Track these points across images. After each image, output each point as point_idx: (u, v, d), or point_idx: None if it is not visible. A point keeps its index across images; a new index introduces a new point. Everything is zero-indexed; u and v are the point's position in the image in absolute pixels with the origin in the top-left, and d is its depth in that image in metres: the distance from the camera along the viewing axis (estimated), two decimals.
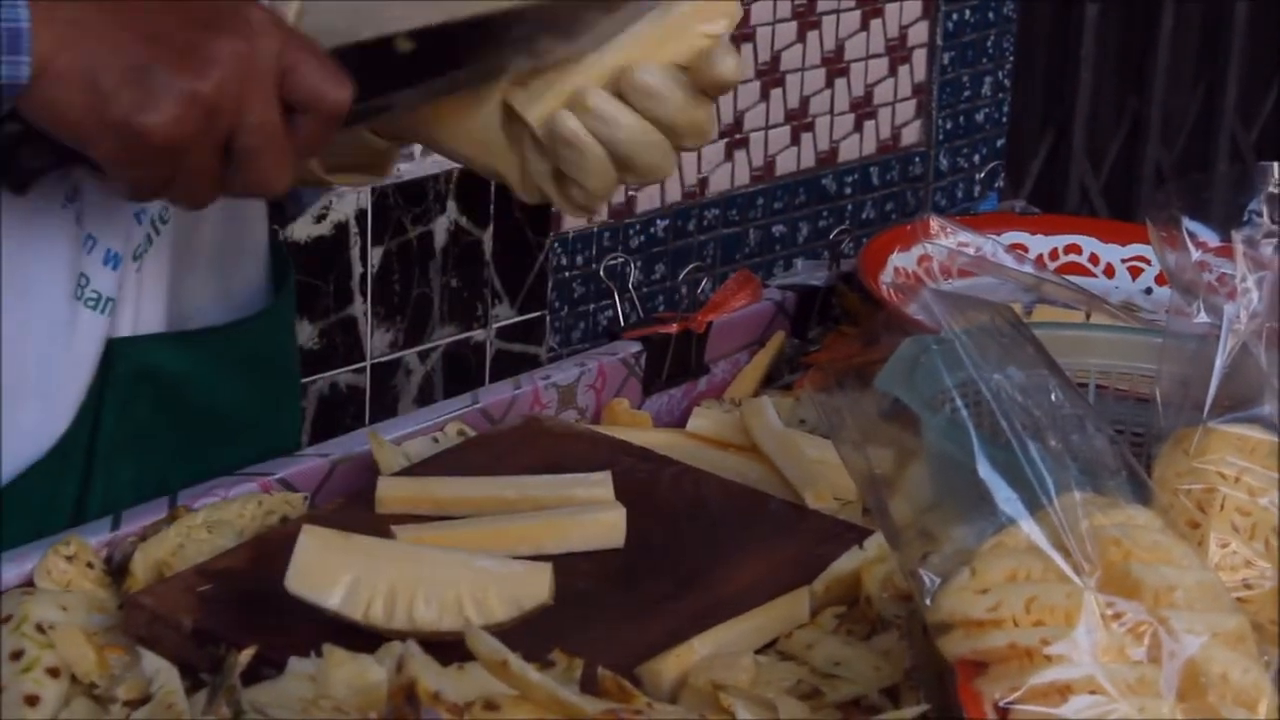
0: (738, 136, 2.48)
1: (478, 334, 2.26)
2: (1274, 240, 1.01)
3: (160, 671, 0.99)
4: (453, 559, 1.06)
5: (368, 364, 2.15)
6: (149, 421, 1.21)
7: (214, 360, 1.25)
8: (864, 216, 2.65)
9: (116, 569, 1.11)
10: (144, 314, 1.20)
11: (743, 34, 2.44)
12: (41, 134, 1.02)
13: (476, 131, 1.13)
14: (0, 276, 1.11)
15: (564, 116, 1.11)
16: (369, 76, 1.08)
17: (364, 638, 1.01)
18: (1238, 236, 1.01)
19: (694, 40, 1.11)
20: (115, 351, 1.18)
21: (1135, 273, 1.61)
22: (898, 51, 2.63)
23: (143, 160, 1.02)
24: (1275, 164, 1.02)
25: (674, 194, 2.42)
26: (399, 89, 1.10)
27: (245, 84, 1.02)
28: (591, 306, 2.36)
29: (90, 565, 1.09)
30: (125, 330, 1.19)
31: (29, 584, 1.08)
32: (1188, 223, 1.06)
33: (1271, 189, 1.02)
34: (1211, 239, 1.06)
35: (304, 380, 2.08)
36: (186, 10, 1.02)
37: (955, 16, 2.67)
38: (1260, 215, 1.02)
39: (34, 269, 1.13)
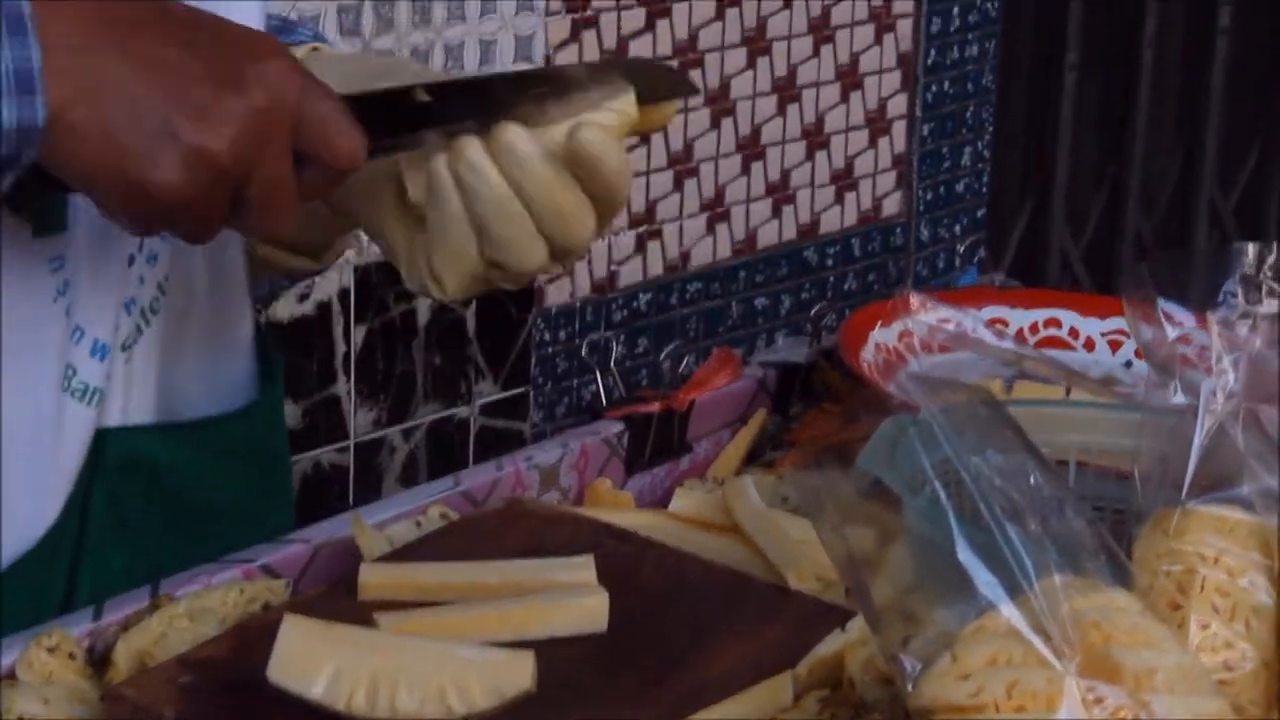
0: (719, 210, 2.49)
1: (461, 411, 2.26)
2: (1249, 321, 1.01)
3: None
4: (435, 648, 1.06)
5: (351, 443, 2.15)
6: (139, 511, 1.21)
7: (204, 451, 1.25)
8: (846, 288, 2.65)
9: (99, 659, 1.11)
10: (133, 404, 1.20)
11: (723, 109, 2.45)
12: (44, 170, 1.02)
13: (379, 201, 1.12)
14: None
15: (436, 161, 1.09)
16: (383, 125, 1.07)
17: None
18: (1213, 317, 1.01)
19: (579, 119, 1.08)
20: (104, 442, 1.18)
21: (1115, 346, 1.62)
22: (878, 123, 2.64)
23: (151, 212, 1.02)
24: (1250, 244, 1.03)
25: (656, 268, 2.43)
26: (412, 135, 1.10)
27: (259, 141, 1.01)
28: (575, 381, 2.36)
29: (72, 656, 1.09)
30: (114, 421, 1.19)
31: (10, 676, 1.08)
32: (1163, 302, 1.07)
33: (1246, 269, 1.03)
34: (1187, 318, 1.07)
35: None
36: (204, 59, 1.01)
37: (934, 88, 2.68)
38: (1235, 296, 1.03)
39: (24, 363, 1.13)
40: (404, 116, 1.08)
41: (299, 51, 1.19)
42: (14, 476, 1.14)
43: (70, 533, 1.18)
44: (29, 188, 1.04)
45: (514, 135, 1.07)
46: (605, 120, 1.09)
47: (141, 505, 1.21)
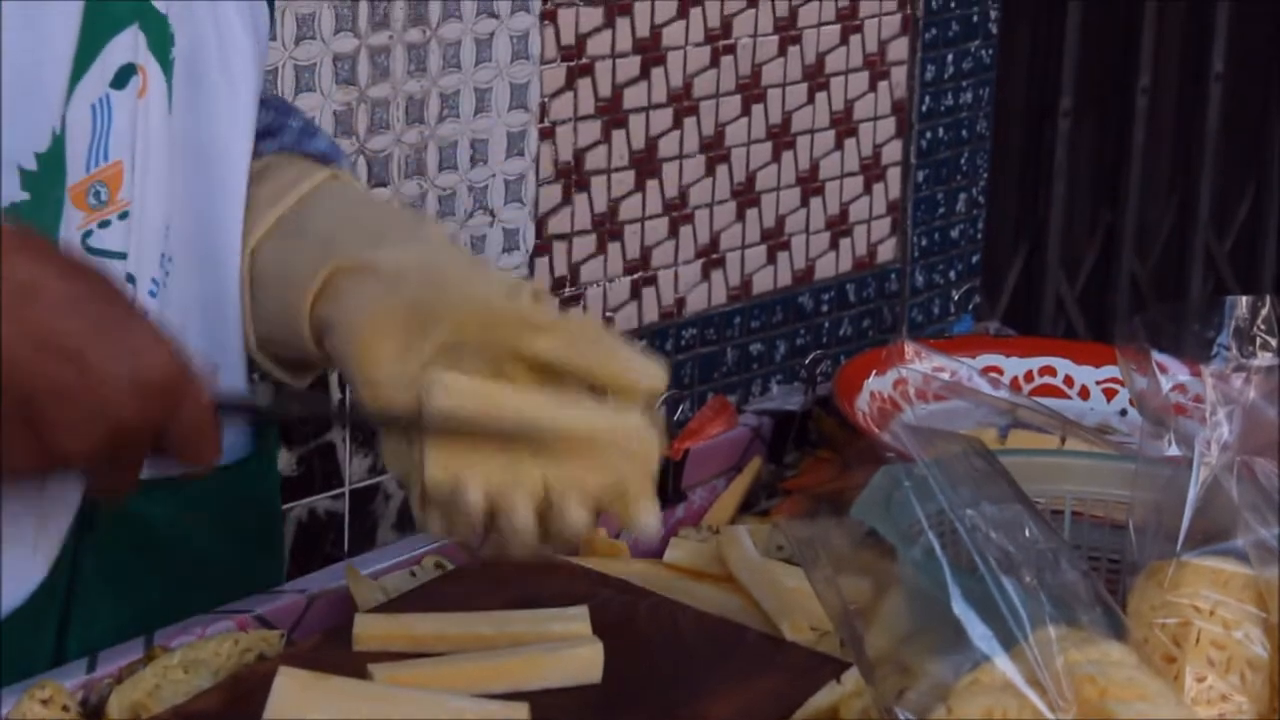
0: (714, 256, 2.49)
1: None
2: (1243, 374, 1.01)
3: None
4: (429, 700, 1.06)
5: (346, 490, 2.15)
6: (128, 565, 1.21)
7: (195, 506, 1.24)
8: (841, 333, 2.66)
9: (93, 712, 1.11)
10: None
11: (719, 155, 2.46)
12: None
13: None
14: None
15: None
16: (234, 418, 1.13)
17: None
18: (1207, 370, 1.02)
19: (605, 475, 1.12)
20: (95, 498, 1.17)
21: (1110, 394, 1.62)
22: (872, 169, 2.65)
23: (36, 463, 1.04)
24: (1243, 298, 1.03)
25: (651, 314, 2.43)
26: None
27: (135, 434, 1.03)
28: None
29: (66, 709, 1.09)
30: None
31: None
32: (1157, 353, 1.07)
33: (1239, 322, 1.03)
34: (1181, 370, 1.07)
35: (283, 507, 2.07)
36: (96, 355, 1.02)
37: (929, 134, 2.69)
38: (1229, 348, 1.03)
39: None
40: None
41: (314, 179, 1.23)
42: (10, 531, 1.14)
43: (60, 587, 1.18)
44: None
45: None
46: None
47: (131, 559, 1.21)
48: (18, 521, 1.15)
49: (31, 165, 1.11)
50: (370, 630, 1.15)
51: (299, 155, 1.27)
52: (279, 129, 1.28)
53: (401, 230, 1.19)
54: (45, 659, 1.17)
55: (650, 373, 1.16)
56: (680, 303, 2.46)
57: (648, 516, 1.12)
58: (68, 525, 1.17)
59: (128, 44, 1.14)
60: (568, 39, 2.27)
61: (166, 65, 1.17)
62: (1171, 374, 1.05)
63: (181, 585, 1.23)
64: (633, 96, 2.35)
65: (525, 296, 1.14)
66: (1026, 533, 0.96)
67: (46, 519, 1.16)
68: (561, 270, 2.33)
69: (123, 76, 1.14)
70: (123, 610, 1.20)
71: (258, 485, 1.32)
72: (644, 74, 2.36)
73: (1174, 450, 1.04)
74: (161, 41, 1.17)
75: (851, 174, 2.62)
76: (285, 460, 2.08)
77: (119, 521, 1.20)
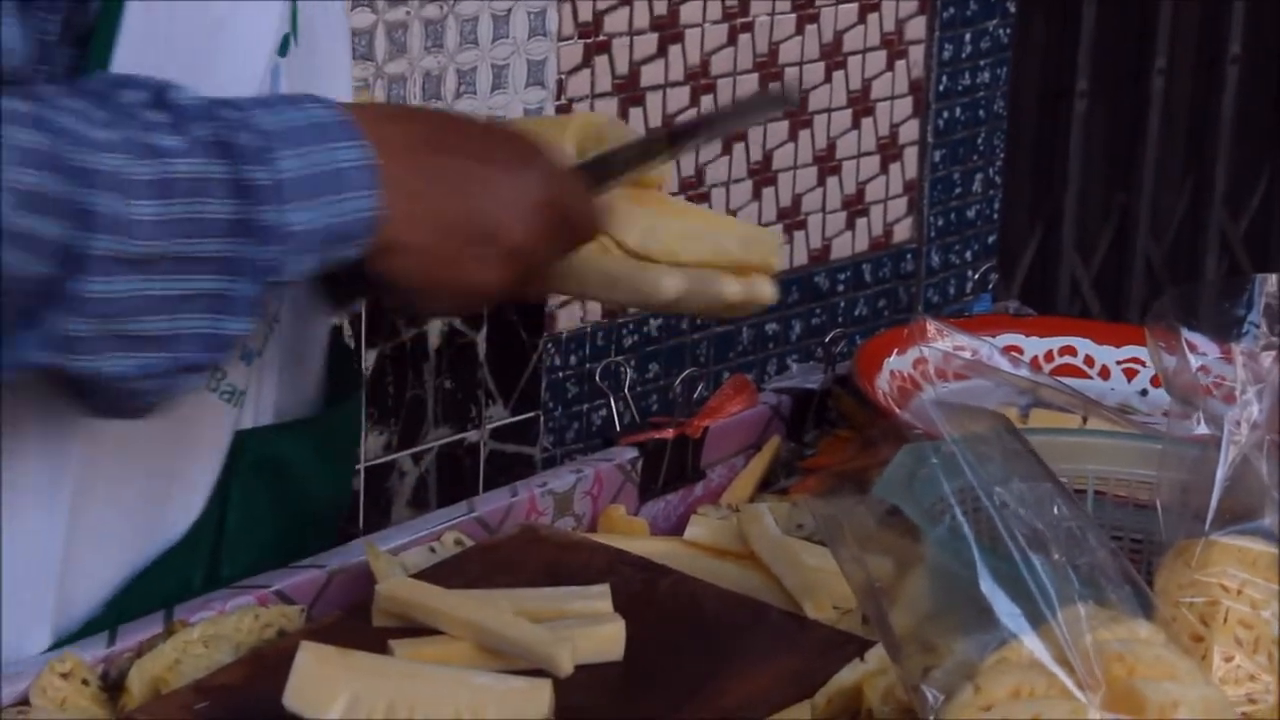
0: None
1: (471, 435, 2.25)
2: (1273, 351, 1.01)
3: None
4: (451, 676, 1.05)
5: (362, 466, 2.14)
6: (267, 508, 1.25)
7: (317, 449, 1.29)
8: (856, 314, 2.65)
9: (113, 685, 1.11)
10: (261, 406, 1.23)
11: (735, 135, 2.45)
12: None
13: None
14: None
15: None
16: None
17: None
18: (1237, 348, 1.01)
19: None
20: (242, 441, 1.22)
21: (1130, 374, 1.61)
22: (889, 149, 2.64)
23: (472, 306, 1.20)
24: (1273, 275, 1.03)
25: None
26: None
27: (550, 232, 1.15)
28: (585, 406, 2.36)
29: (86, 682, 1.09)
30: (248, 422, 1.22)
31: (24, 702, 1.07)
32: (1186, 332, 1.06)
33: (1269, 300, 1.03)
34: (1210, 348, 1.06)
35: None
36: (499, 168, 1.14)
37: (945, 114, 2.68)
38: (1259, 326, 1.02)
39: None
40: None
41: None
42: (164, 472, 1.18)
43: (210, 527, 1.21)
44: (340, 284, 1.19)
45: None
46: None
47: (268, 503, 1.24)
48: (175, 458, 1.18)
49: None
50: (392, 595, 1.14)
51: None
52: None
53: None
54: (198, 588, 1.20)
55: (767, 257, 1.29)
56: None
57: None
58: (220, 464, 1.21)
59: (284, 12, 1.18)
60: (585, 16, 2.27)
61: (296, 34, 1.21)
62: (1201, 353, 1.05)
63: (300, 526, 1.27)
64: (650, 74, 2.34)
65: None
66: (1055, 510, 0.96)
67: (201, 455, 1.20)
68: None
69: (284, 45, 1.19)
70: (258, 552, 1.23)
71: (357, 426, 1.41)
72: (661, 51, 2.35)
73: (1202, 429, 1.03)
74: (294, 12, 1.21)
75: (868, 153, 2.61)
76: None
77: (259, 465, 1.23)
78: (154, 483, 1.18)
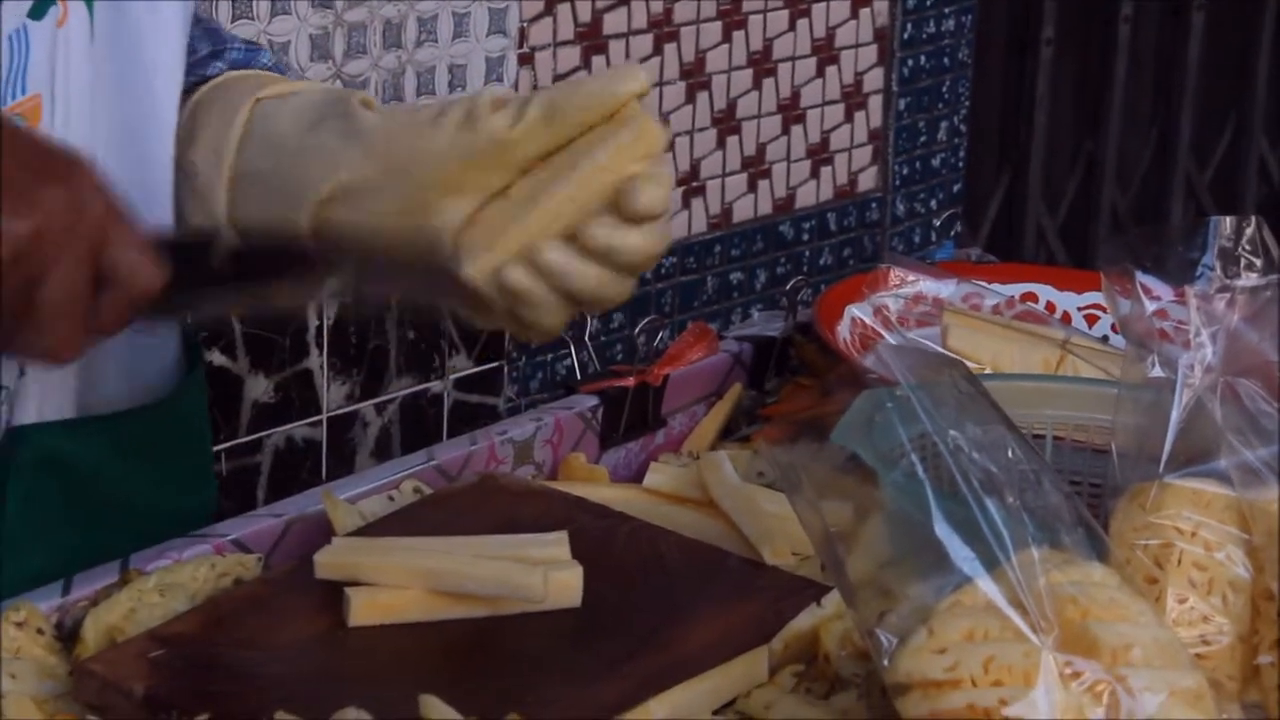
0: (694, 184, 2.48)
1: (435, 385, 2.25)
2: (1227, 295, 1.01)
3: None
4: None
5: (324, 417, 2.14)
6: (55, 509, 1.18)
7: (119, 446, 1.22)
8: (821, 262, 2.65)
9: (67, 635, 1.10)
10: (49, 401, 1.17)
11: (699, 81, 2.44)
12: None
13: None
14: None
15: (512, 270, 1.11)
16: (187, 273, 1.06)
17: (316, 703, 1.00)
18: (1191, 291, 1.01)
19: (619, 176, 1.12)
20: (17, 439, 1.16)
21: (1091, 320, 1.61)
22: (853, 98, 2.63)
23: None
24: (1228, 218, 1.03)
25: None
26: (214, 290, 1.09)
27: (63, 237, 0.98)
28: (549, 356, 2.35)
29: (40, 631, 1.08)
30: (30, 418, 1.16)
31: None
32: (1141, 275, 1.06)
33: (1224, 243, 1.03)
34: (1165, 292, 1.06)
35: (260, 435, 2.06)
36: (22, 151, 0.99)
37: (910, 62, 2.68)
38: (1213, 269, 1.02)
39: None
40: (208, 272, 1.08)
41: (256, 96, 1.19)
42: None
43: None
44: None
45: (600, 232, 1.11)
46: (643, 169, 1.13)
47: (57, 503, 1.19)
48: None
49: None
50: (336, 559, 1.13)
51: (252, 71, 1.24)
52: (222, 50, 1.26)
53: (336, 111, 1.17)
54: None
55: (625, 76, 1.16)
56: None
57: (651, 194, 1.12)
58: None
59: None
60: None
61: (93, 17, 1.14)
62: (1156, 297, 1.05)
63: (105, 528, 1.21)
64: (612, 22, 2.33)
65: (483, 120, 1.12)
66: (1009, 454, 0.96)
67: None
68: None
69: (40, 7, 1.11)
70: (47, 554, 1.17)
71: (185, 422, 1.29)
72: (622, 2, 2.34)
73: (1157, 373, 1.03)
74: None
75: (833, 102, 2.61)
76: (263, 388, 2.07)
77: (43, 463, 1.17)
78: None
